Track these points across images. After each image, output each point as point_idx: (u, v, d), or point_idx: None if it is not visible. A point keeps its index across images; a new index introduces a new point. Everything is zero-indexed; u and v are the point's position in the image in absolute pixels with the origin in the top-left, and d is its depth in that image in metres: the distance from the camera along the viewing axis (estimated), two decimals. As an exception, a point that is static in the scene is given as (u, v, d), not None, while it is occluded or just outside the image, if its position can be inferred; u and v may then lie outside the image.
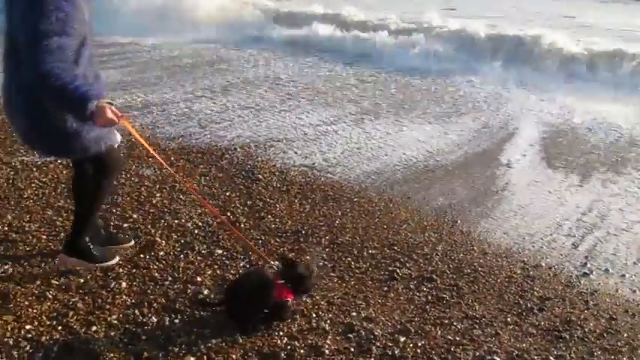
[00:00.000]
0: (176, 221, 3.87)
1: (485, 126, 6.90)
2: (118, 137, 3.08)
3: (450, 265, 3.59)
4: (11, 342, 2.60)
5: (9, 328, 2.68)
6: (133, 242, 3.52)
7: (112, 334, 2.70)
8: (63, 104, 2.59)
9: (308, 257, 3.21)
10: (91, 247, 3.19)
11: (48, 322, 2.76)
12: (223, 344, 2.65)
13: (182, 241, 3.61)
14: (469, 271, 3.54)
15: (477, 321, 3.00)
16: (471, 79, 9.46)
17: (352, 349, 2.69)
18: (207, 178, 4.73)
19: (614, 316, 3.16)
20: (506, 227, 4.24)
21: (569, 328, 3.01)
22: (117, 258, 3.31)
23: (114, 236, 3.50)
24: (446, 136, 6.45)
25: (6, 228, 3.62)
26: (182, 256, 3.44)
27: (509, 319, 3.05)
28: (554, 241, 4.04)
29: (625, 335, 2.99)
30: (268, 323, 2.79)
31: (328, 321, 2.89)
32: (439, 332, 2.87)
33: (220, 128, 6.21)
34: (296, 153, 5.55)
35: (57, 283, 3.06)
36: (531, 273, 3.58)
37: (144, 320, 2.81)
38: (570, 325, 3.04)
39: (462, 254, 3.75)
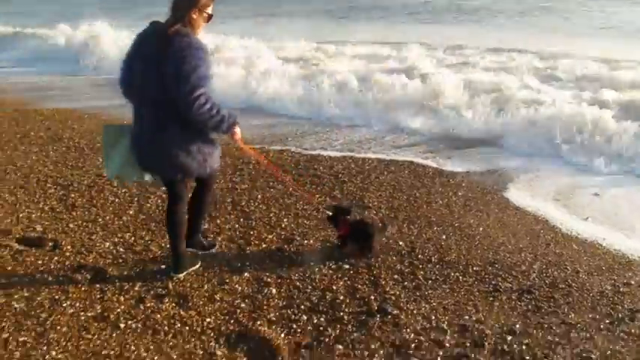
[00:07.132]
0: (305, 241, 4.67)
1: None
2: None
3: (546, 281, 4.12)
4: (199, 330, 3.45)
5: (194, 320, 3.55)
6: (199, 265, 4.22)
7: (274, 327, 3.50)
8: (221, 127, 3.52)
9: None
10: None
11: (222, 317, 3.59)
12: (363, 337, 3.38)
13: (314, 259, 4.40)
14: (563, 286, 4.06)
15: (573, 327, 3.54)
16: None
17: (468, 344, 3.32)
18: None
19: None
20: (598, 251, 4.72)
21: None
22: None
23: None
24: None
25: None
26: (316, 268, 4.21)
27: (602, 326, 3.56)
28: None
29: None
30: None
31: (445, 322, 3.54)
32: (540, 334, 3.44)
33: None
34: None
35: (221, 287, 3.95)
36: (622, 289, 4.05)
37: (296, 318, 3.60)
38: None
39: (556, 272, 4.27)
